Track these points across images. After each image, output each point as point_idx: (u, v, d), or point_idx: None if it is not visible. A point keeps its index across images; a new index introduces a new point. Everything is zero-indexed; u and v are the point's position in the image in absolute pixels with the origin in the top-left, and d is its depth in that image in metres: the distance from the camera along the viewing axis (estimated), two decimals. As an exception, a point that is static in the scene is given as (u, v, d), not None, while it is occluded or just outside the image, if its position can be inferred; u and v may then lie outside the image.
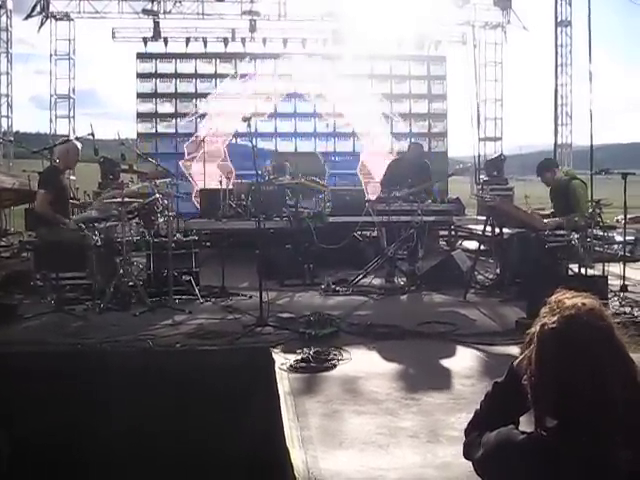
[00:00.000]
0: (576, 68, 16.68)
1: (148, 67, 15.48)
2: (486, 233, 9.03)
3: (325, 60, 15.97)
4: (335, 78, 15.66)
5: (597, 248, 8.50)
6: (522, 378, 1.83)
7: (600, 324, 1.70)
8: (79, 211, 8.55)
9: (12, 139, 15.50)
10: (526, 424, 1.92)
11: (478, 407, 2.13)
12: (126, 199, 7.58)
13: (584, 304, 1.73)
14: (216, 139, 15.09)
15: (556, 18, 16.57)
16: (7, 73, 15.96)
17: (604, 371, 1.63)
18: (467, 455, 2.04)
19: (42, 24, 15.84)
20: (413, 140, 11.85)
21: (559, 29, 16.61)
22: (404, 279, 8.95)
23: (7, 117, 16.02)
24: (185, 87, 15.52)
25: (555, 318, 1.72)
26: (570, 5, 16.50)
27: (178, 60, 15.57)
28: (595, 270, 8.09)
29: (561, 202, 7.82)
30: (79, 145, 8.04)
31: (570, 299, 1.76)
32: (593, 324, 1.69)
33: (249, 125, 7.11)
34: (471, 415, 2.12)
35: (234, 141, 15.13)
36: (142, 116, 15.44)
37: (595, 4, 14.20)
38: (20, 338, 6.16)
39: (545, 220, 7.72)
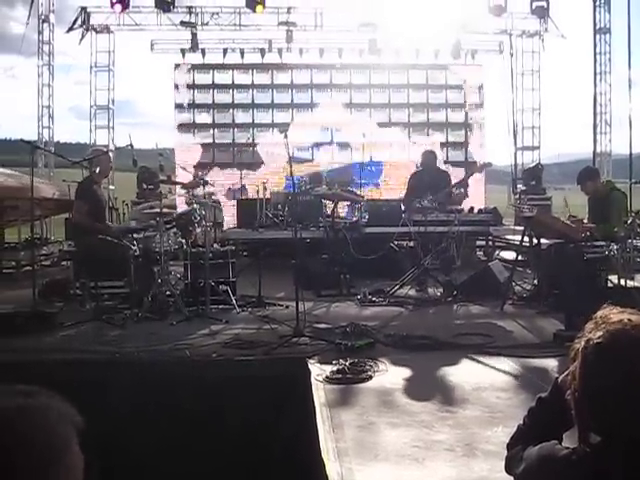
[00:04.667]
0: (615, 75, 16.51)
1: (186, 78, 15.67)
2: (524, 244, 8.95)
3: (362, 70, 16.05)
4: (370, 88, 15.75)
5: (637, 259, 8.37)
6: (566, 393, 1.81)
7: None
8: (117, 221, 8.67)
9: (53, 149, 15.76)
10: (569, 440, 1.90)
11: (521, 422, 2.11)
12: (164, 210, 7.66)
13: (630, 320, 1.69)
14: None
15: (595, 25, 16.40)
16: (49, 85, 16.22)
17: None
18: (508, 469, 2.02)
19: (83, 37, 16.11)
20: (428, 148, 11.78)
21: (598, 36, 16.43)
22: (440, 290, 8.90)
23: (48, 128, 16.28)
24: (222, 98, 15.67)
25: (600, 333, 1.69)
26: (609, 12, 16.31)
27: (216, 71, 15.75)
28: (635, 282, 7.96)
29: (598, 212, 7.71)
30: (110, 155, 8.19)
31: (616, 314, 1.73)
32: (639, 340, 1.66)
33: (286, 137, 7.14)
34: (508, 429, 2.11)
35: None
36: (180, 126, 15.61)
37: (635, 10, 14.02)
38: (59, 346, 6.24)
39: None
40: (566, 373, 1.86)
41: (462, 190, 10.11)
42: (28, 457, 1.10)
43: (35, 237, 11.85)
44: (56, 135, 16.69)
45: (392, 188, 15.21)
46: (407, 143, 15.84)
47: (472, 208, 11.51)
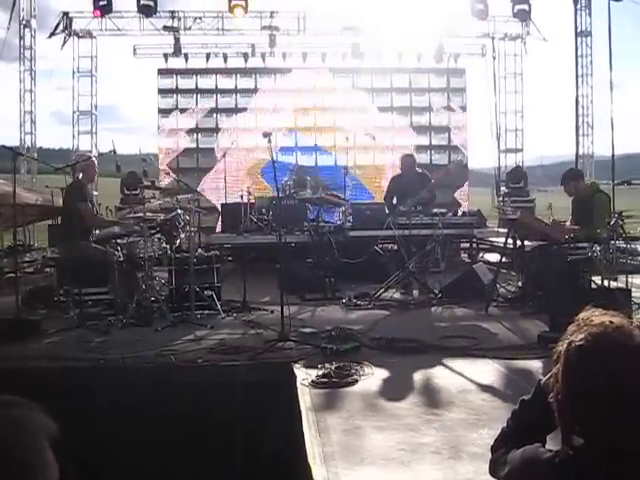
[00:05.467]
0: (597, 78, 16.62)
1: (169, 83, 15.66)
2: (507, 246, 8.99)
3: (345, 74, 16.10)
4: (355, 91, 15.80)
5: (620, 260, 8.42)
6: (549, 396, 1.81)
7: (628, 342, 1.67)
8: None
9: (36, 155, 15.67)
10: (553, 442, 1.91)
11: (505, 424, 2.12)
12: (148, 215, 7.64)
13: (612, 322, 1.70)
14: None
15: (576, 28, 16.51)
16: (31, 90, 16.13)
17: (631, 389, 1.61)
18: (492, 472, 2.03)
19: (65, 42, 16.03)
20: (406, 152, 11.88)
21: (579, 39, 16.53)
22: (424, 292, 8.94)
23: (31, 134, 16.18)
24: (206, 103, 15.66)
25: (582, 336, 1.69)
26: (590, 15, 16.44)
27: (199, 75, 15.74)
28: (618, 282, 8.00)
29: (582, 214, 7.75)
30: (95, 161, 8.19)
31: (598, 317, 1.74)
32: (621, 342, 1.66)
33: (269, 141, 7.13)
34: (493, 431, 2.12)
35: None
36: (163, 131, 15.59)
37: (615, 14, 14.10)
38: (43, 353, 6.20)
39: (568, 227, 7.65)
40: (549, 375, 1.87)
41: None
42: (1, 466, 1.11)
43: (18, 244, 11.77)
44: (38, 141, 16.59)
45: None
46: (388, 147, 15.90)
47: (456, 211, 11.56)
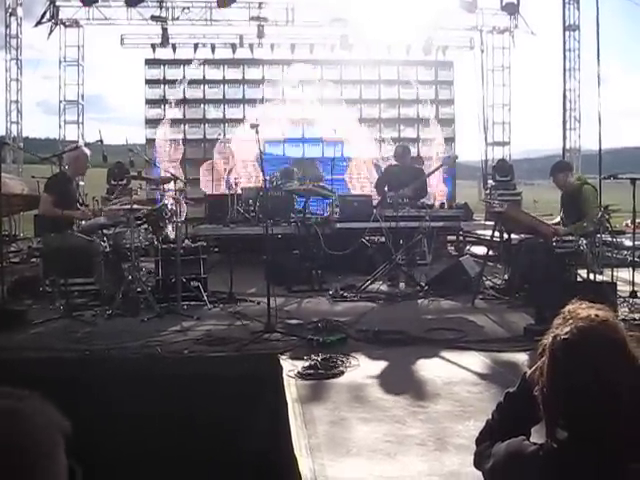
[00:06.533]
0: (584, 72, 16.67)
1: (156, 73, 15.58)
2: (494, 239, 9.02)
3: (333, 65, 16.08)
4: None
5: (606, 254, 8.46)
6: (534, 389, 1.82)
7: (613, 336, 1.68)
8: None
9: (22, 145, 15.57)
10: (537, 435, 1.92)
11: (490, 417, 2.12)
12: (134, 205, 7.60)
13: (597, 315, 1.71)
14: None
15: (564, 22, 16.55)
16: (17, 80, 16.03)
17: (615, 384, 1.62)
18: (477, 465, 2.04)
19: (51, 31, 15.92)
20: (402, 143, 11.93)
21: (567, 33, 16.59)
22: (411, 285, 8.96)
23: (17, 123, 16.08)
24: (193, 93, 15.59)
25: (568, 329, 1.70)
26: (578, 9, 16.47)
27: (186, 66, 15.66)
28: (604, 276, 8.04)
29: (571, 207, 7.77)
30: (88, 152, 8.09)
31: (584, 309, 1.74)
32: (606, 336, 1.67)
33: (257, 132, 7.11)
34: (479, 423, 2.12)
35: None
36: (150, 122, 15.52)
37: (603, 8, 14.20)
38: (29, 344, 6.18)
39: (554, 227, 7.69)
40: (534, 368, 1.88)
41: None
42: (10, 460, 1.09)
43: (3, 234, 11.69)
44: (24, 130, 16.51)
45: (362, 185, 15.28)
46: (376, 139, 15.91)
47: (443, 204, 11.58)
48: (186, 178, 13.39)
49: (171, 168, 13.46)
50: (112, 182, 12.92)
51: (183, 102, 15.52)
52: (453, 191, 16.04)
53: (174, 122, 15.51)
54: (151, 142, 15.40)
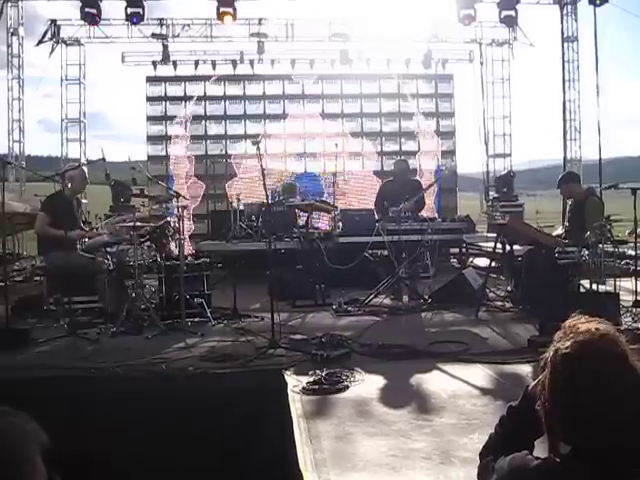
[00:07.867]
0: (583, 83, 16.74)
1: (158, 90, 15.66)
2: (497, 250, 9.02)
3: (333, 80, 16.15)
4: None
5: (609, 263, 8.45)
6: (536, 403, 1.83)
7: (614, 350, 1.69)
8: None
9: (24, 164, 15.63)
10: (541, 449, 1.92)
11: (493, 431, 2.13)
12: (137, 223, 7.63)
13: (598, 329, 1.72)
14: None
15: (562, 34, 16.63)
16: (19, 99, 16.12)
17: (617, 398, 1.62)
18: (481, 479, 2.04)
19: (53, 50, 16.04)
20: (400, 158, 11.99)
21: (566, 45, 16.67)
22: (414, 298, 8.96)
23: (19, 142, 16.16)
24: (195, 109, 15.66)
25: (569, 343, 1.71)
26: (576, 21, 16.57)
27: (187, 83, 15.74)
28: (607, 286, 8.04)
29: (576, 217, 7.80)
30: (85, 170, 8.13)
31: (584, 324, 1.75)
32: (607, 350, 1.68)
33: (258, 148, 7.15)
34: (483, 436, 2.12)
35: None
36: (152, 139, 15.59)
37: (601, 19, 14.27)
38: (33, 363, 6.17)
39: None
40: (536, 382, 1.88)
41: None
42: None
43: (7, 252, 11.70)
44: (26, 149, 16.57)
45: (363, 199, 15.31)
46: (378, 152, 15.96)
47: (445, 217, 11.59)
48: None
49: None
50: (115, 200, 12.97)
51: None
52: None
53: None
54: (153, 159, 15.46)
